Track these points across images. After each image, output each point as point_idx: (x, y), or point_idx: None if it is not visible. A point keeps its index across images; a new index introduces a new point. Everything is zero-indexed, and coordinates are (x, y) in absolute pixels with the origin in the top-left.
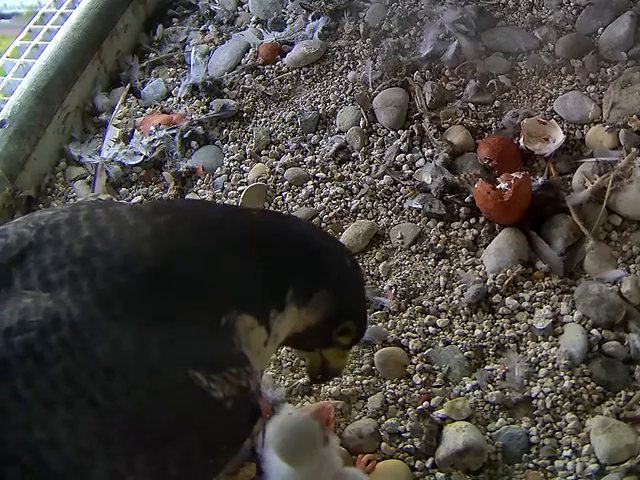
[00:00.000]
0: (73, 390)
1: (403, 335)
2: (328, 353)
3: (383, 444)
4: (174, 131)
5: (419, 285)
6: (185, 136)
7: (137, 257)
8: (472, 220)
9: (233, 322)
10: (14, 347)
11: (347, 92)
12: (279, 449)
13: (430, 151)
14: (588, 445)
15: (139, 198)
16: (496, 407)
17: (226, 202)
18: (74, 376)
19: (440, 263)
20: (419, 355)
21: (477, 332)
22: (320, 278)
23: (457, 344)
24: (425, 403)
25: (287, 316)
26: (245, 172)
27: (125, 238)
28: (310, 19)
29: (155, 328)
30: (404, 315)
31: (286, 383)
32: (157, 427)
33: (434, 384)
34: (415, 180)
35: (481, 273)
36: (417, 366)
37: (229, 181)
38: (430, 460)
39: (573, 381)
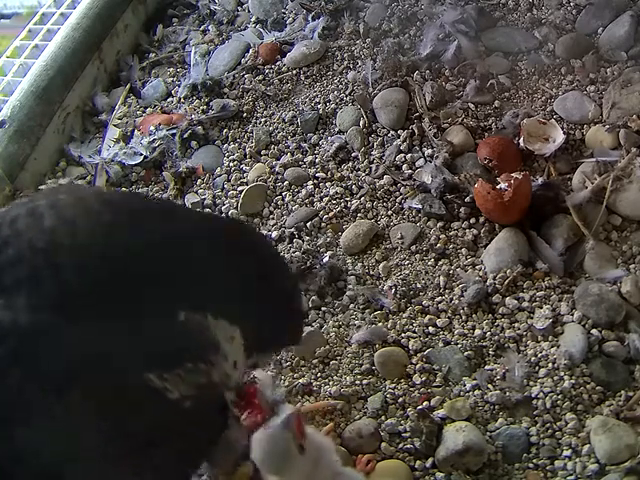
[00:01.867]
0: (28, 404)
1: (403, 335)
2: None
3: (383, 444)
4: (174, 131)
5: (419, 285)
6: (185, 136)
7: (101, 253)
8: (472, 220)
9: (195, 316)
10: None
11: (347, 92)
12: (258, 462)
13: (430, 151)
14: (588, 445)
15: None
16: (496, 407)
17: (226, 202)
18: (27, 389)
19: (440, 263)
20: (419, 355)
21: (477, 332)
22: None
23: (457, 344)
24: (425, 403)
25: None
26: (245, 172)
27: (93, 230)
28: (310, 19)
29: (111, 330)
30: (404, 315)
31: (286, 383)
32: (122, 435)
33: (434, 384)
34: (415, 180)
35: (481, 273)
36: (417, 366)
37: (229, 181)
38: (430, 460)
39: (573, 381)
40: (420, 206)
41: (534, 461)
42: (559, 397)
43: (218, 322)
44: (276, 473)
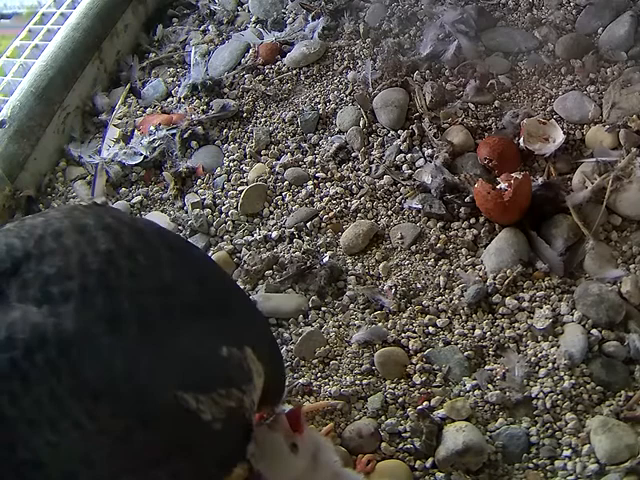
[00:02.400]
0: (58, 411)
1: (403, 335)
2: None
3: (383, 444)
4: (174, 131)
5: (419, 285)
6: (185, 136)
7: (159, 279)
8: (472, 220)
9: (236, 350)
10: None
11: (347, 92)
12: (255, 460)
13: (430, 151)
14: (588, 445)
15: (139, 198)
16: (496, 407)
17: (226, 202)
18: (59, 397)
19: (440, 263)
20: (419, 355)
21: (477, 332)
22: None
23: (457, 344)
24: (425, 403)
25: None
26: (245, 172)
27: (149, 257)
28: (310, 19)
29: (150, 347)
30: (404, 315)
31: (286, 383)
32: (144, 450)
33: (434, 384)
34: (415, 180)
35: (481, 273)
36: (417, 366)
37: (229, 181)
38: (430, 460)
39: (573, 381)
40: (420, 206)
41: (534, 461)
42: (559, 397)
43: (254, 357)
44: (272, 471)
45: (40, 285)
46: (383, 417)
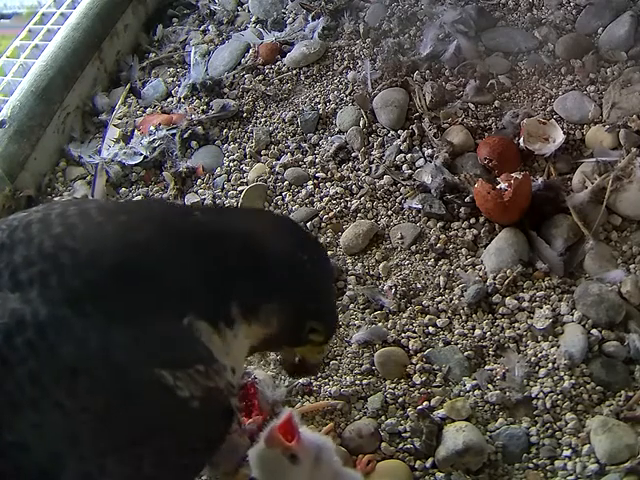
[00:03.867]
0: (38, 392)
1: (403, 335)
2: (303, 350)
3: (383, 444)
4: (174, 131)
5: (419, 285)
6: (185, 136)
7: (102, 253)
8: (472, 220)
9: (193, 323)
10: None
11: (347, 92)
12: (257, 477)
13: (430, 151)
14: (588, 445)
15: (139, 198)
16: (496, 407)
17: (226, 202)
18: (39, 377)
19: (440, 263)
20: (419, 355)
21: (477, 332)
22: (266, 288)
23: (457, 344)
24: (425, 403)
25: (239, 334)
26: (245, 172)
27: (91, 234)
28: (310, 19)
29: (121, 325)
30: (404, 315)
31: (286, 383)
32: (126, 427)
33: (434, 384)
34: (415, 180)
35: (481, 273)
36: (417, 366)
37: (229, 181)
38: (430, 460)
39: (573, 381)
40: (420, 206)
41: (534, 461)
42: (559, 397)
43: (209, 331)
44: None
45: (10, 274)
46: (383, 417)
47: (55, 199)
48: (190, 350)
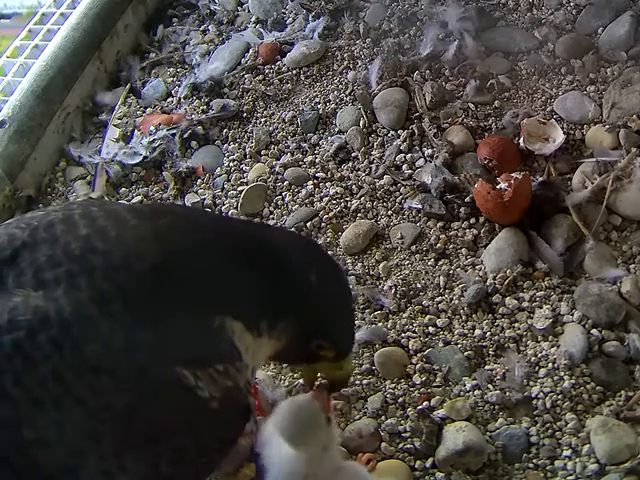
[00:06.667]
0: (61, 389)
1: (403, 335)
2: (321, 367)
3: (383, 444)
4: (174, 131)
5: (419, 285)
6: (185, 136)
7: (139, 256)
8: (472, 220)
9: (225, 323)
10: (3, 346)
11: (347, 92)
12: (284, 431)
13: (430, 151)
14: (588, 445)
15: (139, 198)
16: (496, 407)
17: (226, 202)
18: (62, 375)
19: (440, 263)
20: (419, 355)
21: (477, 332)
22: (286, 307)
23: (457, 344)
24: (425, 403)
25: (263, 344)
26: (245, 172)
27: (126, 237)
28: (310, 19)
29: (148, 325)
30: (404, 315)
31: (286, 383)
32: (146, 426)
33: (434, 384)
34: (415, 180)
35: (481, 273)
36: (417, 366)
37: (229, 181)
38: (430, 460)
39: (573, 381)
40: (420, 206)
41: (534, 461)
42: (559, 397)
43: (244, 331)
44: (298, 441)
45: (34, 272)
46: (383, 417)
47: (70, 199)
48: (214, 349)
